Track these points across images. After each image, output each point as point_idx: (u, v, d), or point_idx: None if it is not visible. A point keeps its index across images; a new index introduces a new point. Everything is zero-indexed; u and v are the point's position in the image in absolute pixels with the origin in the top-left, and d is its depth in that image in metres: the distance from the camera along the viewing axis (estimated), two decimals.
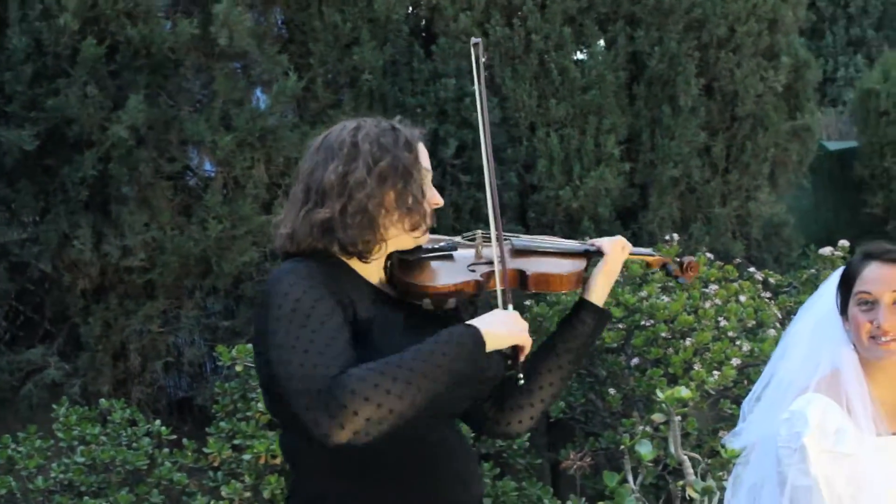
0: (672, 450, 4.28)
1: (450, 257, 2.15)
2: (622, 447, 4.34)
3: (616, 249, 2.29)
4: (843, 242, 5.78)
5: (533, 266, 2.18)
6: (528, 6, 5.92)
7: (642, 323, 4.63)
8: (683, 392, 4.11)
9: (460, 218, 5.59)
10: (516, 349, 2.06)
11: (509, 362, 2.08)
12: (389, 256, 2.08)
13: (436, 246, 2.16)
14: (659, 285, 4.87)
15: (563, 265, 2.23)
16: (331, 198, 1.97)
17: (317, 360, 1.83)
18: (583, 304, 2.26)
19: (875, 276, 2.54)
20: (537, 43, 5.93)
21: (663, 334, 4.59)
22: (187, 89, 5.38)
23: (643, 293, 4.74)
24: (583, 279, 2.25)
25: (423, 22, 6.06)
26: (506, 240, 2.22)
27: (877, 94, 7.12)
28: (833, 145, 7.68)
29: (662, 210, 6.10)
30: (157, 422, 4.30)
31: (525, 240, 2.30)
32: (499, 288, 2.08)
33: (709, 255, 5.23)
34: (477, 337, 1.95)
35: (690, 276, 2.48)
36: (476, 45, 2.20)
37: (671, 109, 6.17)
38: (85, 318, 5.05)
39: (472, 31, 5.80)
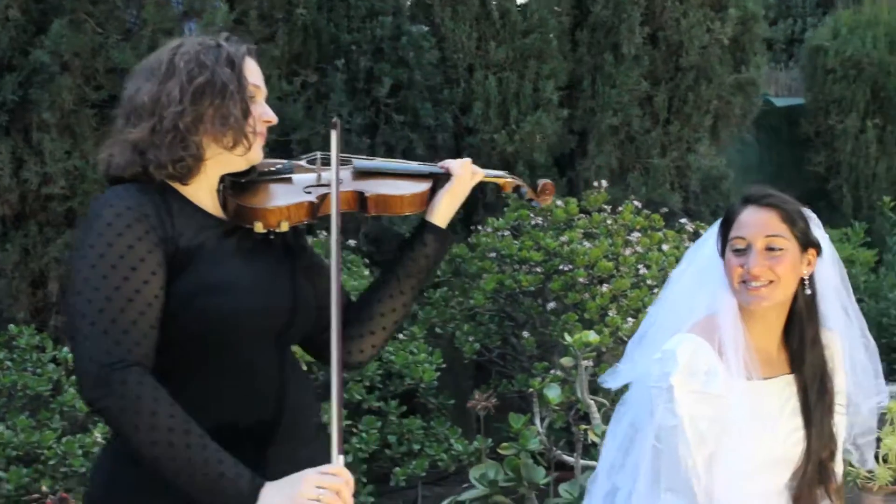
0: (578, 393, 4.28)
1: (287, 180, 2.09)
2: (531, 389, 4.34)
3: (464, 172, 2.21)
4: None
5: (373, 188, 2.12)
6: None
7: (561, 268, 4.62)
8: (591, 336, 4.10)
9: (392, 158, 5.53)
10: None
11: None
12: (222, 179, 2.01)
13: (272, 168, 2.09)
14: (582, 231, 4.86)
15: (405, 187, 2.17)
16: (143, 117, 1.91)
17: (107, 327, 1.79)
18: (425, 226, 2.19)
19: (749, 221, 2.52)
20: None
21: (581, 280, 4.58)
22: (117, 17, 5.27)
23: (564, 238, 4.73)
24: (427, 201, 2.17)
25: None
26: (347, 162, 2.16)
27: (825, 52, 7.08)
28: (780, 101, 7.65)
29: (600, 158, 6.06)
30: (65, 349, 4.25)
31: (368, 161, 2.24)
32: (333, 211, 2.01)
33: (636, 203, 5.21)
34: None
35: (545, 199, 2.41)
36: (335, 123, 2.08)
37: (614, 57, 6.12)
38: (3, 244, 4.98)
39: None
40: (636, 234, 4.85)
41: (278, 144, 5.31)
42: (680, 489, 2.56)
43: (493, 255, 4.76)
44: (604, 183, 5.23)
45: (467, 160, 2.26)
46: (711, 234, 2.64)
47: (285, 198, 2.02)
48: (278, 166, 2.10)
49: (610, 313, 4.48)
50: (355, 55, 5.47)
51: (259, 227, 1.98)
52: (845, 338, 2.70)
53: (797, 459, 2.62)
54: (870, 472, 4.62)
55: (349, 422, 4.16)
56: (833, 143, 7.07)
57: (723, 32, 6.39)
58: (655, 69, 6.33)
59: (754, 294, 2.48)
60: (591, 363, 4.33)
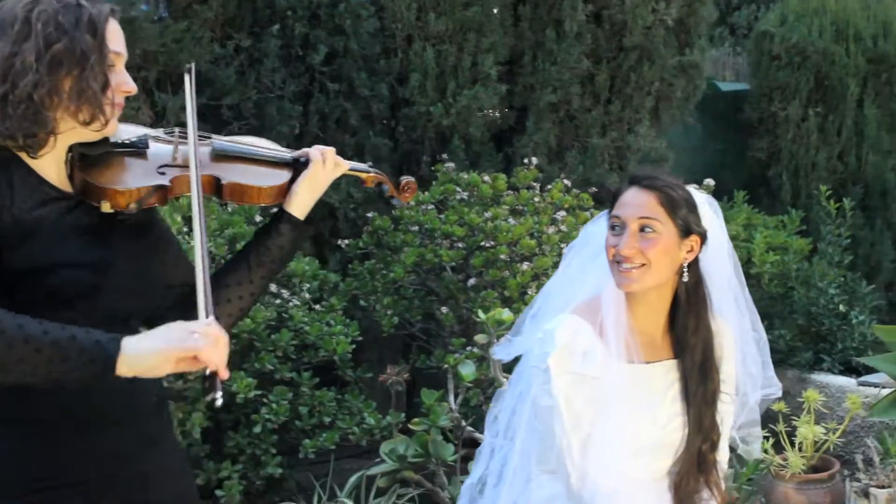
0: (492, 371, 4.26)
1: (141, 154, 1.99)
2: (446, 366, 4.32)
3: (326, 161, 2.15)
4: (709, 181, 5.78)
5: (230, 174, 2.04)
6: None
7: (483, 244, 4.59)
8: (505, 314, 4.07)
9: (326, 127, 5.48)
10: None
11: (206, 384, 1.80)
12: (70, 149, 1.92)
13: (127, 140, 1.99)
14: (509, 207, 4.82)
15: (265, 176, 2.09)
16: None
17: None
18: (281, 215, 2.13)
19: (628, 201, 2.49)
20: None
21: (503, 256, 4.55)
22: None
23: (489, 214, 4.69)
24: (285, 192, 2.11)
25: None
26: (206, 139, 2.07)
27: (771, 37, 7.06)
28: (726, 86, 7.64)
29: (538, 135, 6.02)
30: None
31: (228, 143, 2.13)
32: (195, 199, 1.92)
33: (566, 181, 5.18)
34: (107, 363, 1.72)
35: (406, 198, 2.37)
36: (189, 70, 2.03)
37: (556, 34, 6.07)
38: None
39: None
40: (562, 213, 4.82)
41: (208, 109, 5.23)
42: (555, 470, 2.55)
43: (415, 228, 4.71)
44: (534, 160, 5.19)
45: (330, 150, 2.19)
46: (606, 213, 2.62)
47: (136, 178, 1.93)
48: (133, 138, 2.00)
49: (529, 291, 4.46)
50: (291, 21, 5.39)
51: (106, 207, 1.89)
52: (736, 329, 2.69)
53: (677, 446, 2.62)
54: (783, 458, 4.65)
55: (259, 392, 4.12)
56: (775, 130, 7.06)
57: (667, 13, 6.35)
58: (598, 48, 6.28)
59: (625, 276, 2.46)
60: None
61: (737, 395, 2.70)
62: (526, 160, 5.25)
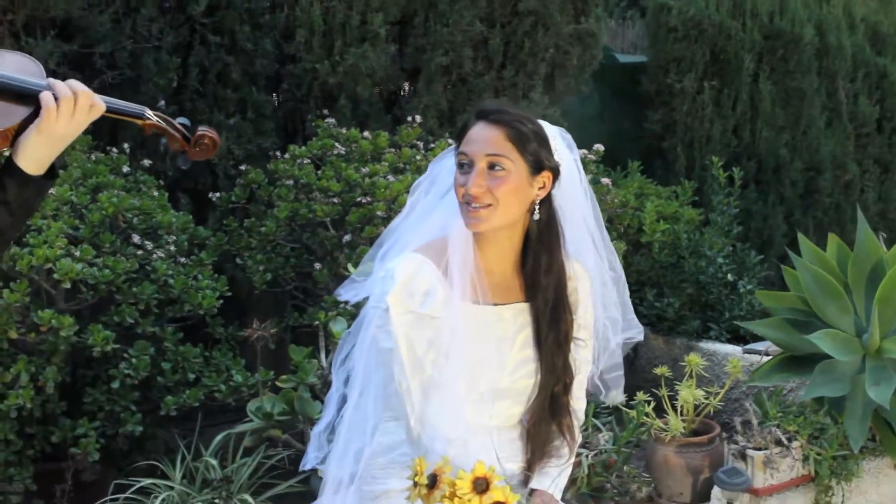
0: None
1: None
2: (317, 322, 4.19)
3: (61, 107, 1.76)
4: (598, 146, 5.73)
5: None
6: None
7: (359, 200, 4.46)
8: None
9: (206, 81, 5.28)
10: None
11: None
12: None
13: None
14: (388, 164, 4.70)
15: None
16: None
17: None
18: (8, 167, 1.77)
19: (475, 137, 2.38)
20: None
21: (380, 213, 4.43)
22: None
23: (366, 170, 4.56)
24: (14, 136, 1.76)
25: None
26: None
27: (669, 10, 7.04)
28: (624, 58, 7.61)
29: (428, 98, 5.90)
30: None
31: None
32: None
33: (450, 141, 5.07)
34: None
35: (198, 154, 1.99)
36: None
37: None
38: None
39: None
40: None
41: (81, 56, 5.01)
42: (398, 415, 2.44)
43: (290, 182, 4.56)
44: (418, 118, 5.08)
45: (82, 90, 1.81)
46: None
47: None
48: None
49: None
50: None
51: None
52: (595, 270, 2.60)
53: (529, 393, 2.53)
54: (664, 422, 4.62)
55: (119, 346, 3.95)
56: (671, 103, 7.05)
57: None
58: (492, 12, 6.17)
59: (472, 216, 2.35)
60: None
61: (596, 340, 2.62)
62: (409, 118, 5.12)
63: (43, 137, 1.78)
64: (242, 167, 4.79)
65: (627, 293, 2.68)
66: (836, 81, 7.47)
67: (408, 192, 4.50)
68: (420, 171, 4.78)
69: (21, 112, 1.73)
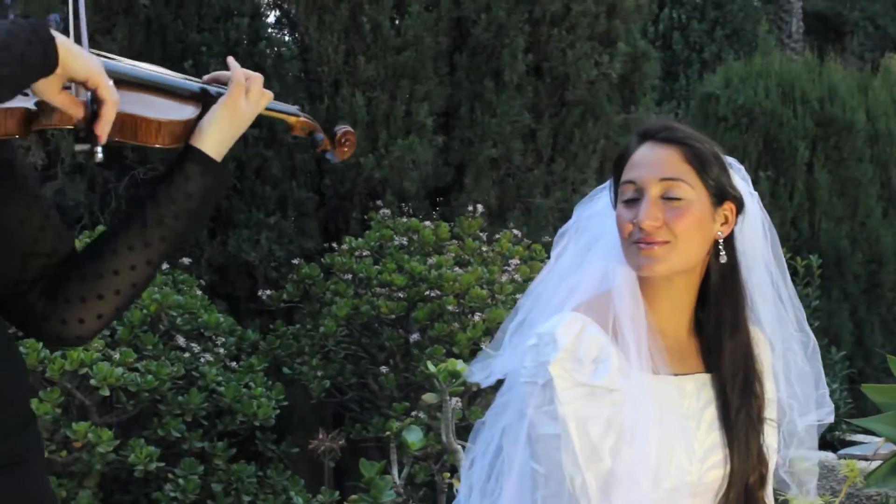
0: (444, 437, 3.62)
1: None
2: (388, 433, 3.66)
3: (251, 87, 1.68)
4: None
5: (121, 103, 1.52)
6: None
7: (427, 294, 3.98)
8: (459, 365, 3.45)
9: (244, 177, 4.87)
10: (98, 102, 1.42)
11: (81, 132, 1.43)
12: None
13: None
14: (453, 255, 4.25)
15: (165, 108, 1.62)
16: None
17: None
18: (188, 152, 1.62)
19: (643, 160, 1.90)
20: None
21: (451, 308, 3.95)
22: None
23: (432, 260, 4.11)
24: (191, 131, 1.63)
25: None
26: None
27: (717, 99, 6.74)
28: None
29: (477, 193, 5.50)
30: None
31: (120, 63, 1.64)
32: None
33: (515, 231, 4.64)
34: (45, 33, 1.34)
35: (344, 153, 1.95)
36: None
37: (494, 84, 5.61)
38: None
39: None
40: (515, 262, 4.26)
41: (112, 151, 4.60)
42: None
43: (348, 277, 4.10)
44: (479, 208, 4.66)
45: (256, 75, 1.74)
46: (607, 186, 2.04)
47: None
48: None
49: (483, 347, 3.85)
50: (205, 58, 4.83)
51: None
52: (777, 332, 2.10)
53: (717, 487, 2.00)
54: None
55: (163, 464, 3.42)
56: None
57: (611, 67, 5.96)
58: (539, 102, 5.84)
59: (646, 255, 1.86)
60: (458, 402, 3.68)
61: (780, 421, 2.10)
62: (470, 208, 4.70)
63: (227, 117, 1.68)
64: (294, 261, 4.34)
65: (820, 361, 2.18)
66: (888, 169, 7.14)
67: (479, 285, 4.07)
68: (486, 262, 4.34)
69: (192, 108, 1.68)
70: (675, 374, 1.93)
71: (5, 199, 1.50)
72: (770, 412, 2.05)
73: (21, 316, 1.55)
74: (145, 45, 4.82)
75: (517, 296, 4.14)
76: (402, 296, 4.01)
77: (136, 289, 1.58)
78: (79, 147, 1.45)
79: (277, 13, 5.54)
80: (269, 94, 1.74)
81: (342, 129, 1.94)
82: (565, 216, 5.75)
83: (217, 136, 1.65)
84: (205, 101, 1.69)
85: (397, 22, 5.40)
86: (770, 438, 2.06)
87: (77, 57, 1.39)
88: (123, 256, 1.55)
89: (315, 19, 5.28)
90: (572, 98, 5.87)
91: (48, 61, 1.34)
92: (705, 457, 1.96)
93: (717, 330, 1.96)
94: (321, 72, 5.27)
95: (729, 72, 7.06)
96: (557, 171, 5.87)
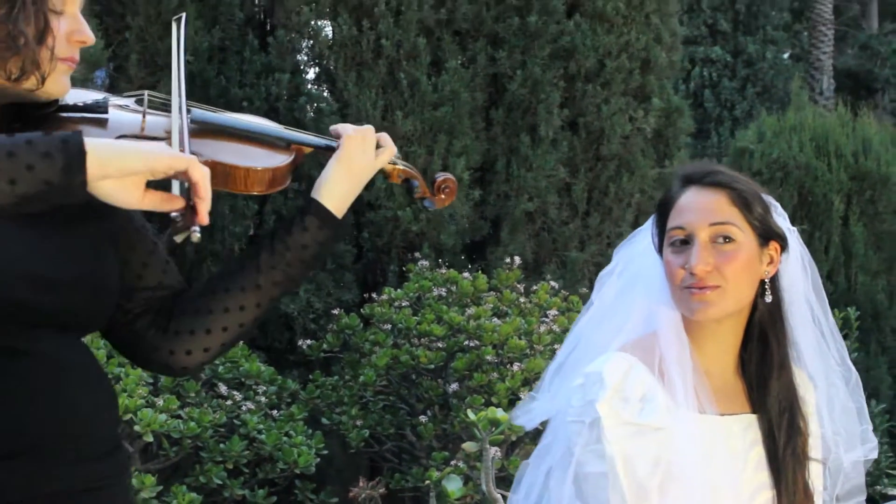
0: (483, 485, 3.61)
1: (99, 122, 1.51)
2: (427, 482, 3.67)
3: (366, 139, 1.75)
4: None
5: (211, 151, 1.57)
6: (381, 9, 5.38)
7: (466, 344, 4.00)
8: (500, 414, 3.46)
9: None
10: (189, 191, 1.38)
11: (179, 220, 1.38)
12: (8, 108, 1.45)
13: (81, 104, 1.52)
14: (491, 306, 4.27)
15: (256, 156, 1.64)
16: None
17: None
18: (309, 205, 1.67)
19: (690, 205, 1.93)
20: (388, 49, 5.39)
21: (489, 358, 3.96)
22: None
23: (471, 311, 4.13)
24: (285, 179, 1.66)
25: (262, 12, 5.47)
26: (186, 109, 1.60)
27: (751, 154, 6.77)
28: None
29: (513, 247, 5.53)
30: None
31: (212, 113, 1.69)
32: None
33: (553, 283, 4.66)
34: (74, 150, 1.27)
35: (443, 201, 1.93)
36: (179, 20, 1.66)
37: (530, 139, 5.67)
38: None
39: (315, 26, 5.25)
40: (553, 313, 4.28)
41: None
42: None
43: (387, 327, 4.13)
44: (517, 260, 4.68)
45: (368, 128, 1.79)
46: (646, 227, 2.07)
47: None
48: (91, 100, 1.53)
49: (522, 396, 3.86)
50: (247, 111, 4.91)
51: None
52: (819, 367, 2.11)
53: None
54: None
55: None
56: None
57: (645, 122, 6.01)
58: (574, 156, 5.88)
59: (698, 300, 1.88)
60: (498, 451, 3.68)
61: (826, 458, 2.10)
62: (507, 260, 4.73)
63: (344, 171, 1.74)
64: (334, 311, 4.37)
65: (862, 395, 2.17)
66: None
67: (517, 336, 4.09)
68: (524, 313, 4.35)
69: (285, 157, 1.68)
70: (722, 415, 1.95)
71: (110, 238, 1.54)
72: (815, 451, 2.06)
73: (130, 345, 1.61)
74: (189, 99, 4.90)
75: (556, 346, 4.15)
76: (440, 346, 4.03)
77: (244, 328, 1.62)
78: (179, 238, 1.42)
79: (317, 69, 5.62)
80: (392, 149, 1.79)
81: (442, 176, 1.93)
82: (601, 270, 5.75)
83: (336, 190, 1.70)
84: (298, 149, 1.72)
85: (434, 78, 5.48)
86: (816, 479, 2.07)
87: (118, 156, 1.31)
88: (235, 296, 1.60)
89: (354, 75, 5.37)
90: (607, 153, 5.92)
91: (70, 174, 1.25)
92: (752, 497, 1.96)
93: (761, 369, 1.97)
94: None
95: (762, 126, 7.08)
96: (593, 225, 5.90)
